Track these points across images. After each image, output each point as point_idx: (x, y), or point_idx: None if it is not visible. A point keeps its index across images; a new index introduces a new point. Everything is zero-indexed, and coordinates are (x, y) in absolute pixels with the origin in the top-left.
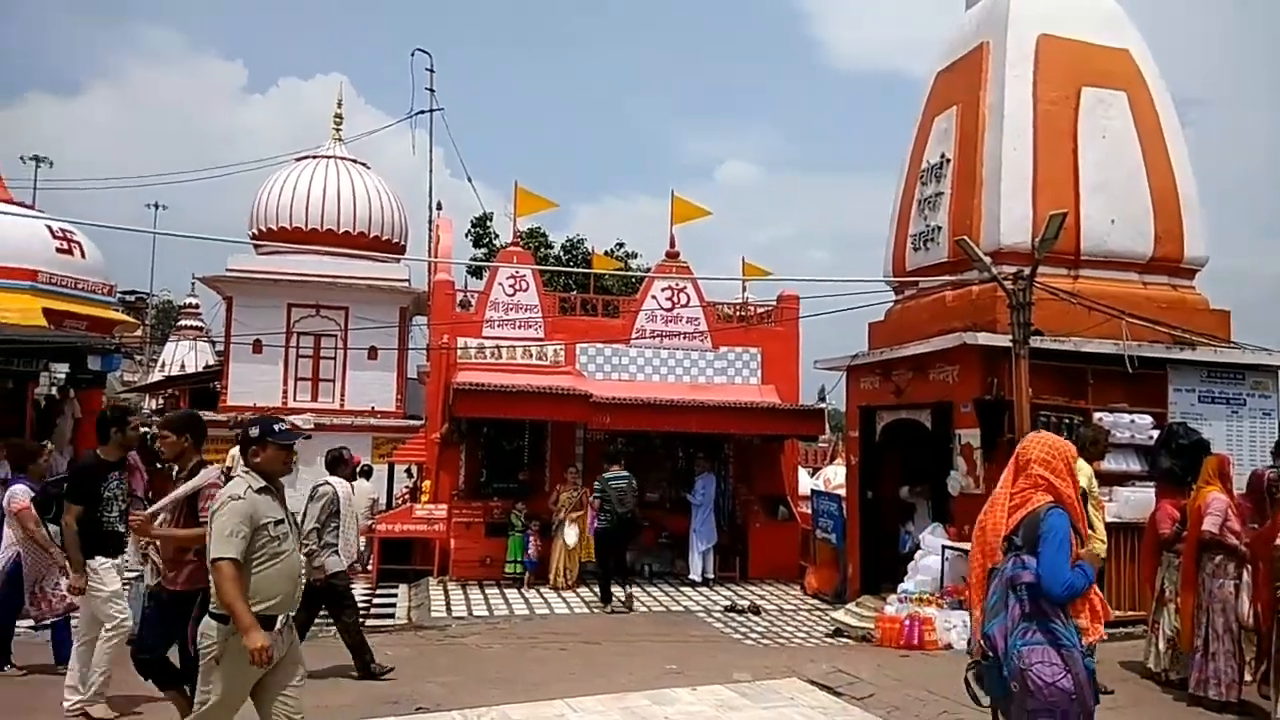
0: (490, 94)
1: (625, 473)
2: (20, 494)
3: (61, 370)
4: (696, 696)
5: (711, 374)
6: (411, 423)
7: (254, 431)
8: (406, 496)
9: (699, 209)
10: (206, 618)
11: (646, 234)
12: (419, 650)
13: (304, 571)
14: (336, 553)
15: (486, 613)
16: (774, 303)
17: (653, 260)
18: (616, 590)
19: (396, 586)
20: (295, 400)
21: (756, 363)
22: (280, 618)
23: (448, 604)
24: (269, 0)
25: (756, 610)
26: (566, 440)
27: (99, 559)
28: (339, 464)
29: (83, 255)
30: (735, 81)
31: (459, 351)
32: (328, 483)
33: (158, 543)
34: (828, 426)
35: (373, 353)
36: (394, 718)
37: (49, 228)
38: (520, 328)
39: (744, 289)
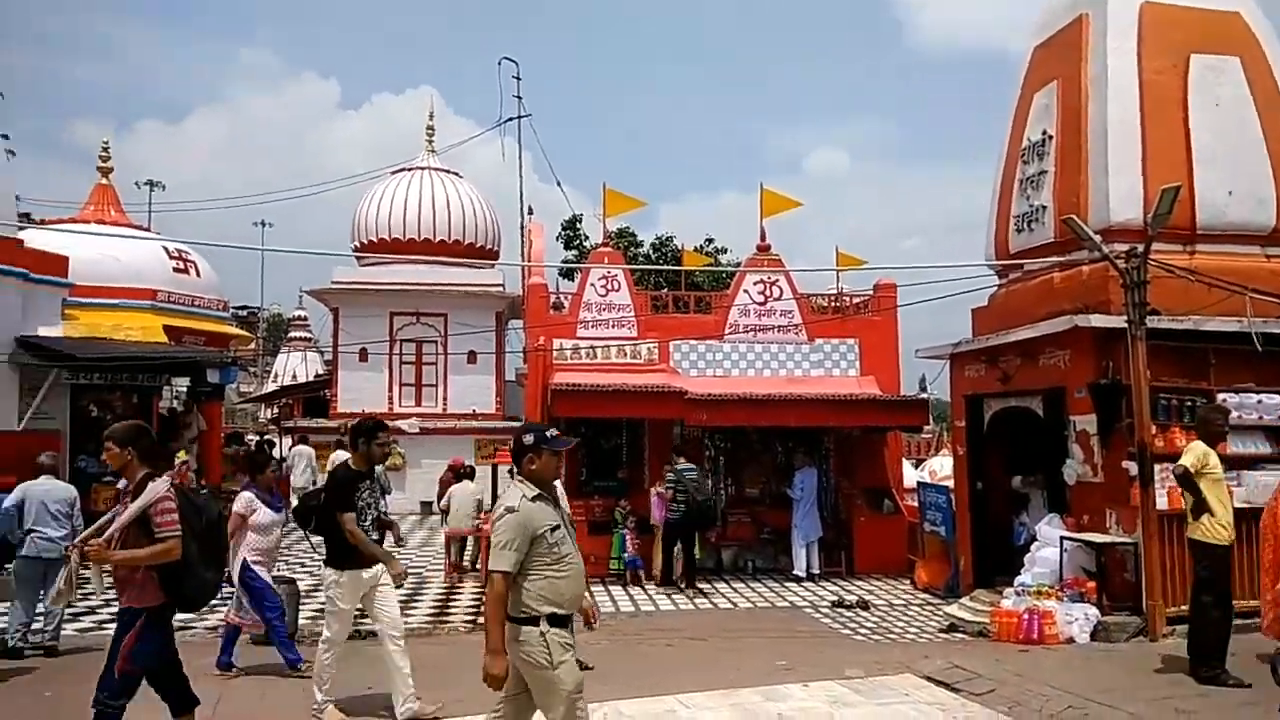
0: (574, 96)
1: (693, 465)
2: (246, 501)
3: (183, 384)
4: (809, 692)
5: (808, 367)
6: (511, 424)
7: (528, 439)
8: None
9: (789, 200)
10: (523, 626)
11: (734, 229)
12: None
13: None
14: None
15: None
16: (870, 292)
17: (742, 255)
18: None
19: None
20: (400, 405)
21: (854, 354)
22: (572, 618)
23: None
24: (358, 20)
25: (865, 605)
26: (663, 438)
27: (346, 573)
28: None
29: (198, 274)
30: (820, 70)
31: (555, 353)
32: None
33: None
34: (930, 417)
35: (471, 357)
36: None
37: (166, 249)
38: (614, 327)
39: (838, 279)
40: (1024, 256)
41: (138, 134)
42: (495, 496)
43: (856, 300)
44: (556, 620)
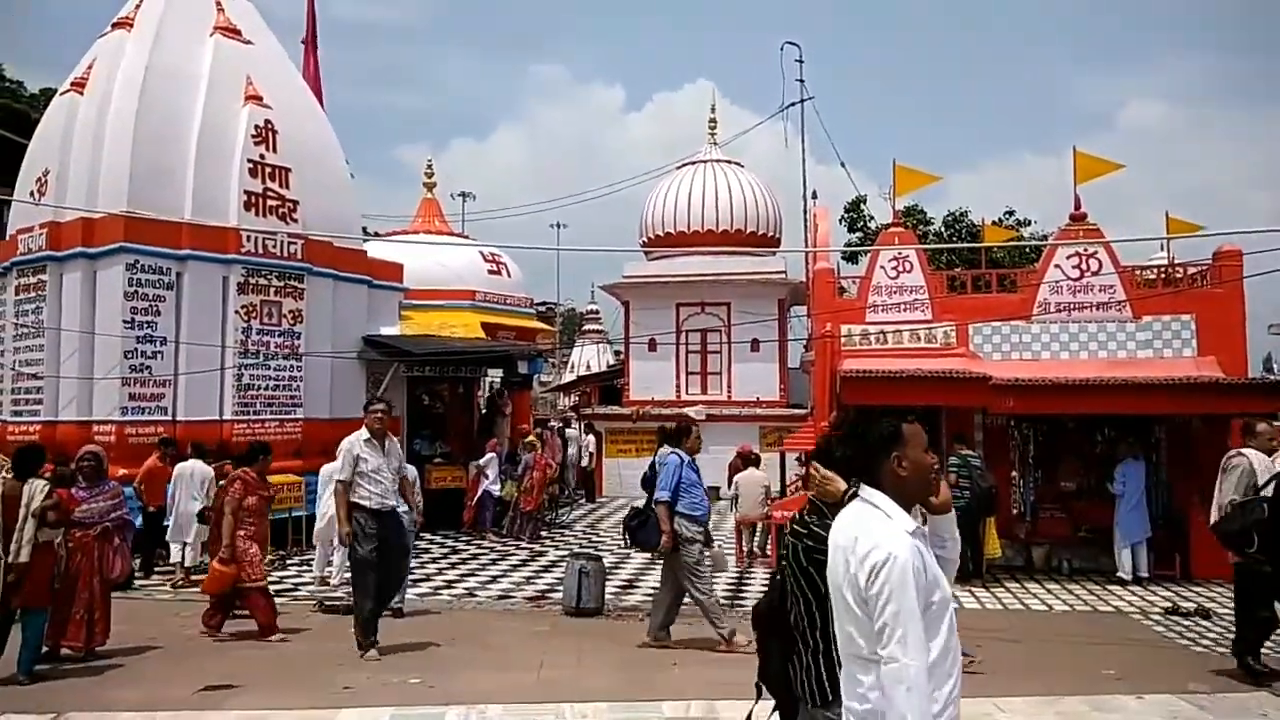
0: (853, 77)
1: (975, 453)
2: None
3: (496, 375)
4: (1144, 705)
5: (1133, 347)
6: (795, 411)
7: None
8: (799, 484)
9: (1108, 163)
10: None
11: (1037, 198)
12: None
13: None
14: None
15: None
16: (1209, 261)
17: (1049, 227)
18: None
19: None
20: (687, 393)
21: (1190, 332)
22: None
23: None
24: (636, 26)
25: (1206, 614)
26: (963, 427)
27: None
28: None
29: (508, 274)
30: (1128, 6)
31: (843, 339)
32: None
33: None
34: None
35: (755, 345)
36: None
37: (481, 253)
38: (906, 310)
39: (1166, 248)
40: None
41: (452, 151)
42: (783, 484)
43: (1193, 271)
44: None
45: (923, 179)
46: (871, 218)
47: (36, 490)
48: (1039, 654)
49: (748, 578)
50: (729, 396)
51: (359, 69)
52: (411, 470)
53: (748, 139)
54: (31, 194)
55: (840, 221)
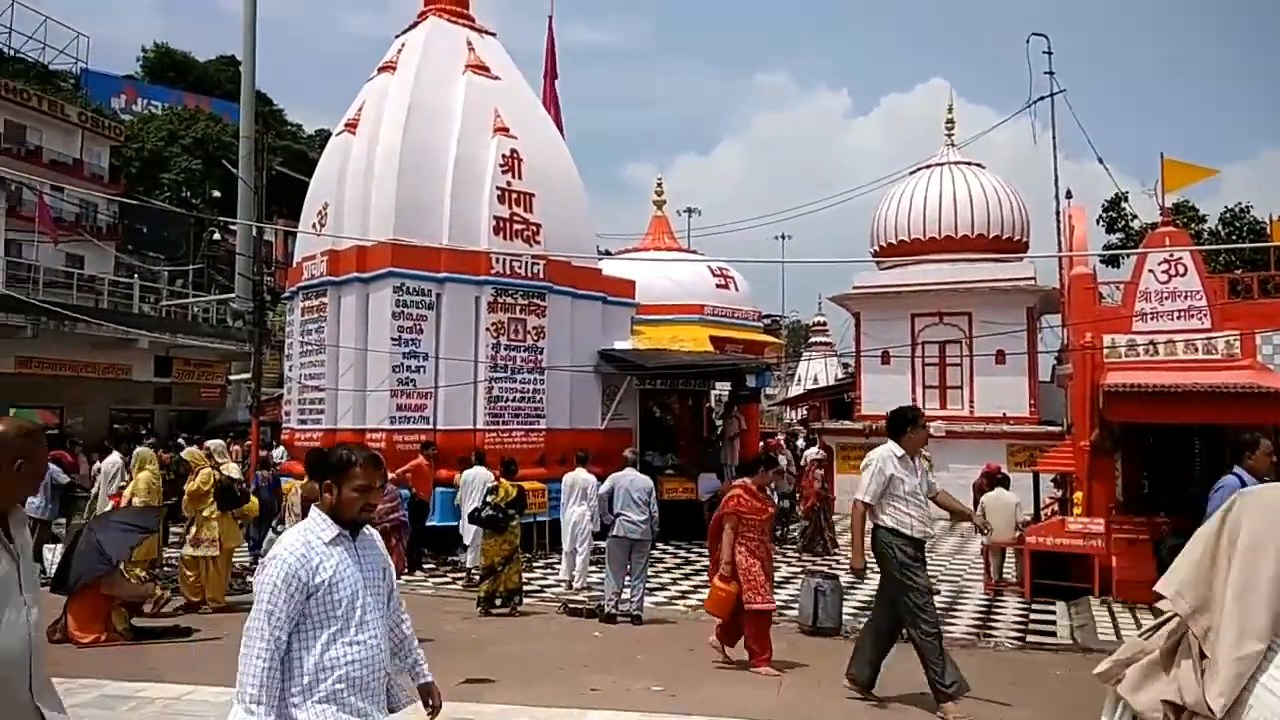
0: (1108, 66)
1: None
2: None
3: (724, 388)
4: None
5: None
6: (1048, 429)
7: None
8: (1055, 508)
9: (1200, 169)
10: None
11: None
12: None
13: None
14: None
15: None
16: None
17: None
18: None
19: (1053, 604)
20: (924, 408)
21: None
22: None
23: (1115, 626)
24: (863, 27)
25: None
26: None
27: None
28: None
29: (736, 288)
30: None
31: (1105, 350)
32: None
33: None
34: None
35: (1000, 357)
36: None
37: (709, 267)
38: (1180, 319)
39: None
40: None
41: (676, 167)
42: (1036, 507)
43: None
44: None
45: (1195, 173)
46: (1134, 216)
47: None
48: None
49: (998, 607)
50: (971, 412)
51: (586, 91)
52: (648, 481)
53: (986, 139)
54: (313, 226)
55: (1097, 222)
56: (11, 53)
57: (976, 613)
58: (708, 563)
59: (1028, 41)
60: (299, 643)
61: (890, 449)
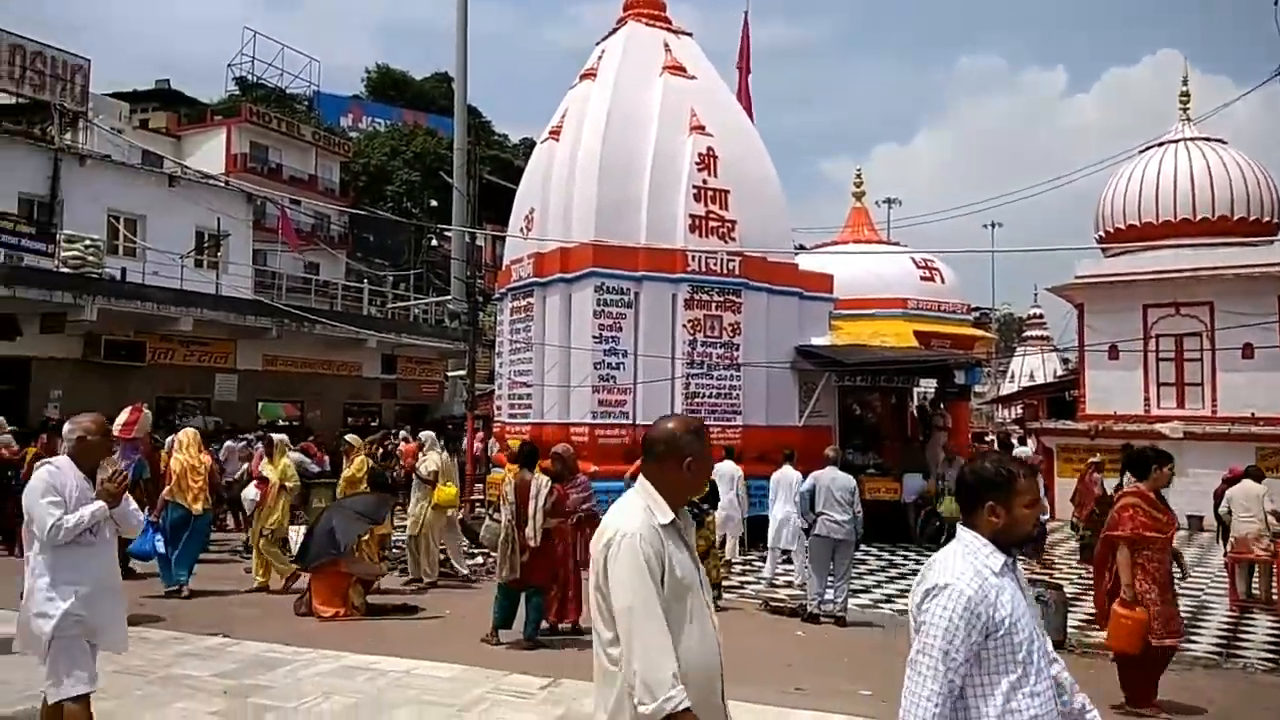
0: None
1: None
2: None
3: (930, 385)
4: None
5: None
6: None
7: None
8: None
9: None
10: None
11: None
12: None
13: None
14: None
15: None
16: None
17: None
18: None
19: None
20: (1159, 408)
21: None
22: None
23: None
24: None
25: None
26: None
27: None
28: None
29: (942, 280)
30: None
31: None
32: None
33: None
34: None
35: (1247, 350)
36: None
37: (912, 259)
38: None
39: None
40: None
41: (875, 159)
42: None
43: None
44: None
45: None
46: None
47: (542, 485)
48: None
49: (1245, 625)
50: (1213, 412)
51: (778, 89)
52: (850, 479)
53: (1227, 113)
54: (520, 230)
55: None
56: (254, 79)
57: (1221, 629)
58: (913, 566)
59: (1276, 3)
60: (973, 690)
61: None
